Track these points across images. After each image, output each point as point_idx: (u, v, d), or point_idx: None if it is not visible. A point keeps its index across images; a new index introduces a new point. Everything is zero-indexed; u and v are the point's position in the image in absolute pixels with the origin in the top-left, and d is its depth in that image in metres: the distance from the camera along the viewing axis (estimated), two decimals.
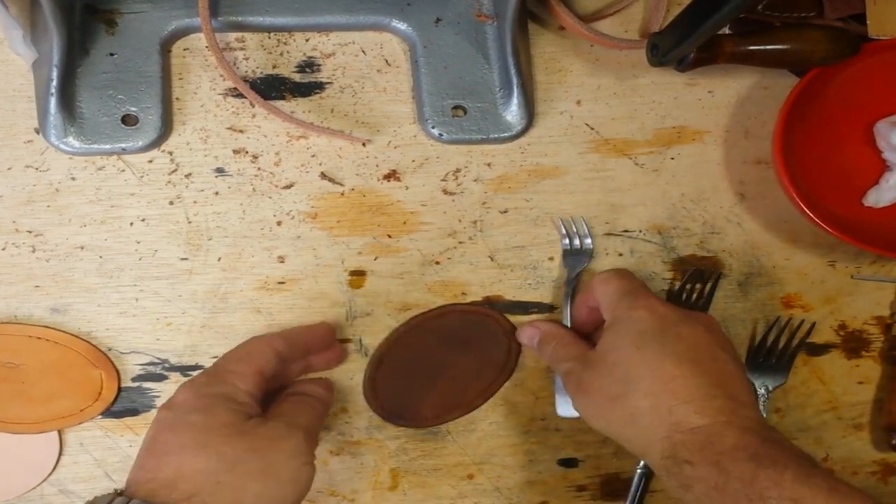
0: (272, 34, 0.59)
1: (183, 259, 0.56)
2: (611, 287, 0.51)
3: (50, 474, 0.53)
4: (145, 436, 0.46)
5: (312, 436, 0.48)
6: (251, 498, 0.43)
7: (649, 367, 0.46)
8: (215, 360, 0.55)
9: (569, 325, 0.57)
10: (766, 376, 0.58)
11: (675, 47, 0.53)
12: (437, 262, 0.58)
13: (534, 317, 0.58)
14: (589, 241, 0.58)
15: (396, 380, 0.56)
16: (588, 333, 0.55)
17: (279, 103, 0.58)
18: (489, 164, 0.59)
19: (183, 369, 0.55)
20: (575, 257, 0.58)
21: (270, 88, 0.58)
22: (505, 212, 0.59)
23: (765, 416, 0.58)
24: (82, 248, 0.55)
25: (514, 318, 0.58)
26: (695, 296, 0.59)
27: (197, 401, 0.46)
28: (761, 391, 0.58)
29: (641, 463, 0.57)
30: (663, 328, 0.47)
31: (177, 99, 0.57)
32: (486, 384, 0.57)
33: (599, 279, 0.52)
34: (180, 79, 0.58)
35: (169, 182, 0.56)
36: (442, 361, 0.56)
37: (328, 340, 0.55)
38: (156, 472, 0.43)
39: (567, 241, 0.58)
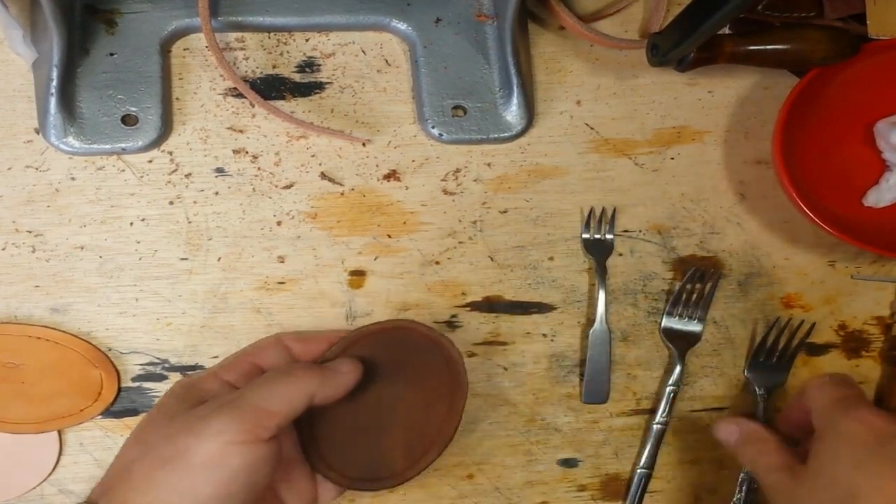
0: (272, 34, 0.59)
1: (183, 259, 0.56)
2: (823, 394, 0.49)
3: (50, 474, 0.53)
4: None
5: (256, 413, 0.40)
6: (158, 487, 0.38)
7: (873, 486, 0.43)
8: (215, 359, 0.55)
9: (601, 310, 0.57)
10: (766, 377, 0.58)
11: (675, 47, 0.53)
12: (437, 262, 0.58)
13: (534, 317, 0.58)
14: (610, 236, 0.59)
15: (342, 435, 0.47)
16: (796, 438, 0.52)
17: (279, 103, 0.58)
18: (489, 164, 0.59)
19: (183, 369, 0.55)
20: (596, 247, 0.58)
21: (270, 88, 0.58)
22: (505, 212, 0.59)
23: (763, 417, 0.58)
24: (82, 248, 0.55)
25: (514, 318, 0.58)
26: (695, 296, 0.59)
27: (163, 397, 0.44)
28: (761, 391, 0.58)
29: (642, 463, 0.57)
30: (881, 443, 0.45)
31: (177, 99, 0.57)
32: (446, 408, 0.48)
33: (813, 384, 0.50)
34: (180, 79, 0.58)
35: (169, 182, 0.56)
36: (380, 401, 0.47)
37: None
38: (102, 477, 0.42)
39: (588, 232, 0.59)
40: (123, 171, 0.56)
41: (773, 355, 0.59)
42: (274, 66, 0.59)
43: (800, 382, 0.60)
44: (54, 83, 0.54)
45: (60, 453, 0.54)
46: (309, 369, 0.44)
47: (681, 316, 0.59)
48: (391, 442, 0.46)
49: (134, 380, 0.55)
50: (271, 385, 0.42)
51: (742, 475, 0.57)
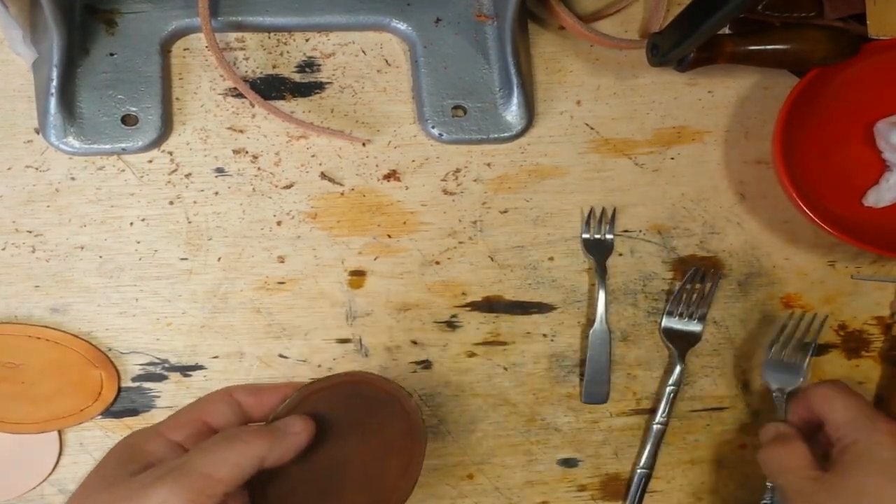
0: (272, 34, 0.59)
1: (183, 259, 0.56)
2: (839, 404, 0.49)
3: (50, 474, 0.53)
4: None
5: (201, 481, 0.38)
6: None
7: None
8: (215, 359, 0.55)
9: (601, 310, 0.57)
10: (783, 377, 0.57)
11: (675, 47, 0.53)
12: (437, 262, 0.58)
13: (534, 317, 0.58)
14: (610, 236, 0.59)
15: (296, 495, 0.44)
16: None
17: (279, 103, 0.58)
18: (489, 164, 0.59)
19: (183, 369, 0.55)
20: (596, 247, 0.58)
21: (270, 88, 0.58)
22: (505, 212, 0.59)
23: (784, 418, 0.58)
24: (82, 248, 0.55)
25: (514, 318, 0.58)
26: (695, 296, 0.59)
27: (106, 454, 0.41)
28: (775, 393, 0.57)
29: (642, 463, 0.57)
30: None
31: (177, 99, 0.57)
32: (405, 461, 0.45)
33: (821, 395, 0.51)
34: (180, 79, 0.58)
35: (169, 182, 0.56)
36: (335, 457, 0.45)
37: None
38: None
39: (588, 232, 0.59)
40: (123, 171, 0.56)
41: (784, 355, 0.57)
42: (274, 66, 0.59)
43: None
44: (54, 83, 0.54)
45: (60, 453, 0.54)
46: (257, 432, 0.41)
47: (681, 316, 0.59)
48: (347, 501, 0.44)
49: (134, 380, 0.55)
50: (218, 450, 0.39)
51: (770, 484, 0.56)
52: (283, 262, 0.57)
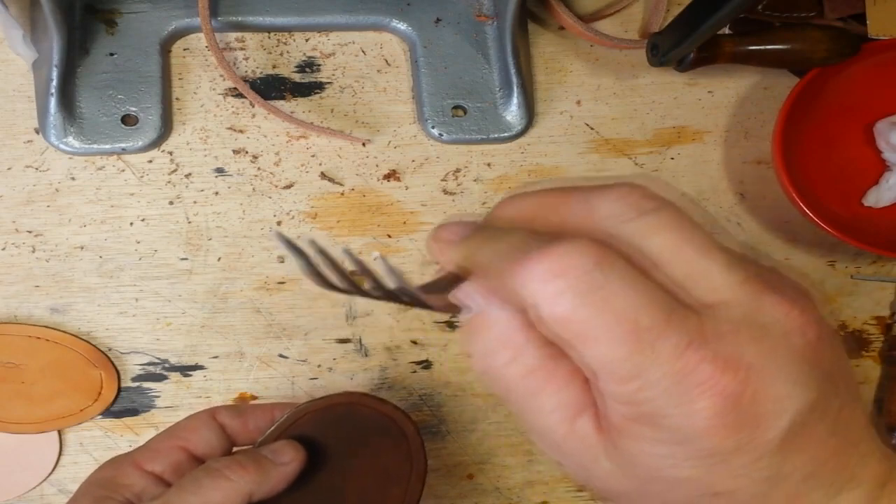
0: (272, 34, 0.59)
1: (183, 259, 0.56)
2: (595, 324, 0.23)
3: (50, 474, 0.53)
4: None
5: None
6: None
7: None
8: (215, 359, 0.55)
9: None
10: None
11: (675, 47, 0.53)
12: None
13: None
14: None
15: None
16: None
17: (279, 103, 0.58)
18: (489, 164, 0.59)
19: (183, 369, 0.55)
20: None
21: (270, 88, 0.58)
22: None
23: None
24: (82, 248, 0.55)
25: None
26: None
27: (79, 488, 0.38)
28: None
29: None
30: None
31: (177, 99, 0.58)
32: (402, 490, 0.42)
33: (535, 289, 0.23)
34: (180, 79, 0.58)
35: (169, 182, 0.56)
36: (329, 487, 0.42)
37: None
38: None
39: None
40: (123, 171, 0.56)
41: None
42: (274, 66, 0.59)
43: None
44: (54, 83, 0.54)
45: (60, 453, 0.54)
46: (243, 465, 0.37)
47: None
48: None
49: (134, 380, 0.55)
50: (199, 490, 0.36)
51: None
52: (283, 262, 0.57)
